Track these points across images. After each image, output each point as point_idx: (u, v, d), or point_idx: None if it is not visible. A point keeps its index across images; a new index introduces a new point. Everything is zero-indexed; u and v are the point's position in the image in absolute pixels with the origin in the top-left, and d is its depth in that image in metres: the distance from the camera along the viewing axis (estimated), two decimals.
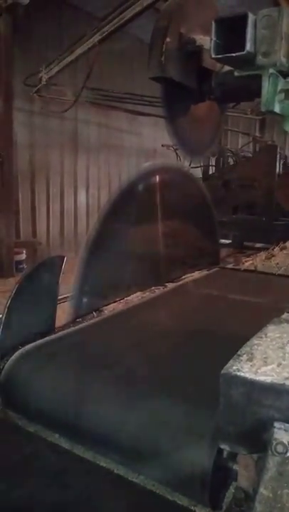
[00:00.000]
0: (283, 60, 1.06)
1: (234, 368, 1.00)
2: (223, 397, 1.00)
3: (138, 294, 2.34)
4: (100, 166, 9.92)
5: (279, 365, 1.00)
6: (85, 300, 2.01)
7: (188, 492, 1.10)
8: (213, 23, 1.12)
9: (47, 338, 1.67)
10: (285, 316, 1.40)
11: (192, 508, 1.09)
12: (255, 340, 1.14)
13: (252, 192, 6.49)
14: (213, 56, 1.07)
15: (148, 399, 1.26)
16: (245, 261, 3.10)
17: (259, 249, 5.38)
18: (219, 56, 1.06)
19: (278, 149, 6.99)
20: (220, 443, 1.04)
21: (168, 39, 2.06)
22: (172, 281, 2.64)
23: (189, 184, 2.87)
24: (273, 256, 3.05)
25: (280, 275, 2.83)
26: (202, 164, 7.83)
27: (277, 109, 1.17)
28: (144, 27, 9.03)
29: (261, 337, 1.16)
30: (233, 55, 1.02)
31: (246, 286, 2.68)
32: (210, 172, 8.39)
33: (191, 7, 2.19)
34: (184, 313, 2.11)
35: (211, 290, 2.48)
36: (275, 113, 1.19)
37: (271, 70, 1.12)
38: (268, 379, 0.95)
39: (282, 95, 1.17)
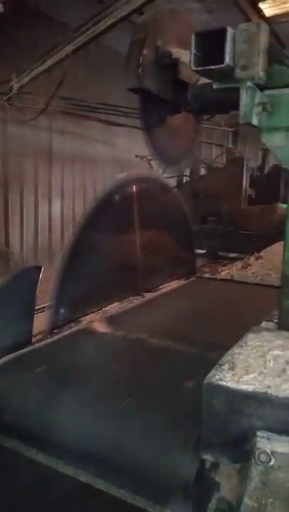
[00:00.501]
0: (261, 73, 1.09)
1: (216, 377, 1.00)
2: (205, 407, 1.00)
3: (116, 304, 2.32)
4: (74, 176, 9.86)
5: (260, 373, 1.00)
6: (62, 311, 1.98)
7: (171, 504, 1.08)
8: (192, 36, 1.14)
9: (24, 350, 1.63)
10: (263, 324, 1.43)
11: None
12: (236, 349, 1.15)
13: (218, 203, 6.61)
14: (192, 68, 1.09)
15: (127, 411, 1.24)
16: (222, 270, 3.13)
17: (233, 260, 5.46)
18: (199, 68, 1.08)
19: (245, 161, 7.16)
20: (202, 453, 1.03)
21: (145, 51, 2.08)
22: (150, 291, 2.63)
23: (166, 194, 2.89)
24: (249, 265, 3.09)
25: (255, 284, 2.87)
26: (176, 174, 7.92)
27: (254, 121, 1.20)
28: (119, 38, 9.15)
29: (242, 346, 1.17)
30: (213, 67, 1.04)
31: (223, 296, 2.70)
32: (183, 182, 8.50)
33: (167, 21, 2.23)
34: (162, 323, 2.10)
35: (189, 300, 2.49)
36: (253, 125, 1.21)
37: (249, 83, 1.14)
38: (249, 388, 0.96)
39: (260, 108, 1.19)
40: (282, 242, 3.53)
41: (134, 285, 2.57)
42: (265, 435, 0.92)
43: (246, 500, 0.86)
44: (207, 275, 3.10)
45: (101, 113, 7.89)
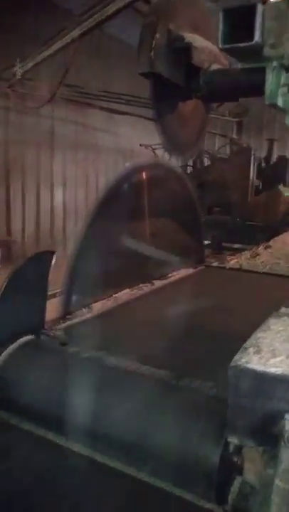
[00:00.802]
0: None
1: (243, 360, 0.99)
2: (232, 390, 0.99)
3: (127, 291, 2.31)
4: (77, 165, 9.81)
5: (287, 356, 0.99)
6: (74, 296, 1.97)
7: (194, 488, 1.08)
8: (220, 12, 1.10)
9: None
10: (283, 310, 1.41)
11: (198, 503, 1.07)
12: (259, 334, 1.14)
13: (226, 193, 6.56)
14: (220, 46, 1.06)
15: (148, 393, 1.24)
16: (230, 259, 3.12)
17: (238, 250, 5.44)
18: (227, 46, 1.05)
19: (252, 151, 7.10)
20: (228, 436, 1.02)
21: (157, 35, 2.05)
22: (159, 279, 2.62)
23: (176, 181, 2.87)
24: (258, 255, 3.08)
25: (265, 273, 2.86)
26: (180, 164, 7.87)
27: (280, 102, 1.18)
28: (122, 27, 9.04)
29: (265, 330, 1.16)
30: (241, 45, 1.01)
31: (233, 284, 2.69)
32: (188, 172, 8.44)
33: (180, 4, 2.19)
34: (173, 310, 2.09)
35: (199, 288, 2.48)
36: (278, 107, 1.19)
37: (275, 63, 1.12)
38: (278, 370, 0.94)
39: (285, 89, 1.17)
40: None
41: (144, 273, 2.56)
42: None
43: (277, 482, 0.85)
44: (216, 264, 3.09)
45: (104, 100, 7.81)
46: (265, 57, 1.07)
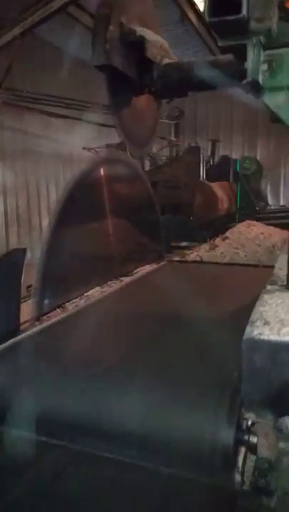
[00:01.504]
0: (275, 26, 1.08)
1: (255, 332, 0.98)
2: (246, 364, 0.98)
3: (97, 289, 2.25)
4: (16, 173, 9.47)
5: None
6: (47, 298, 1.89)
7: (212, 470, 1.05)
8: None
9: (17, 338, 1.51)
10: (269, 287, 1.43)
11: (217, 485, 1.04)
12: (260, 308, 1.14)
13: (177, 192, 6.67)
14: (207, 20, 1.06)
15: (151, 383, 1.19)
16: (190, 253, 3.15)
17: (185, 248, 5.54)
18: (214, 19, 1.04)
19: (201, 150, 7.30)
20: (244, 412, 1.01)
21: (111, 27, 2.02)
22: (126, 276, 2.59)
23: (135, 178, 2.85)
24: (217, 246, 3.14)
25: (225, 264, 2.91)
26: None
27: (260, 79, 1.19)
28: (56, 31, 8.90)
29: (264, 304, 1.17)
30: (229, 18, 1.01)
31: (197, 276, 2.72)
32: None
33: None
34: (149, 303, 2.07)
35: (168, 281, 2.48)
36: (258, 84, 1.21)
37: (255, 40, 1.13)
38: None
39: (266, 65, 1.19)
40: (245, 223, 3.64)
41: (110, 270, 2.52)
42: None
43: None
44: (177, 258, 3.10)
45: (43, 104, 7.62)
46: (250, 32, 1.08)
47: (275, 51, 1.22)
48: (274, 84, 1.24)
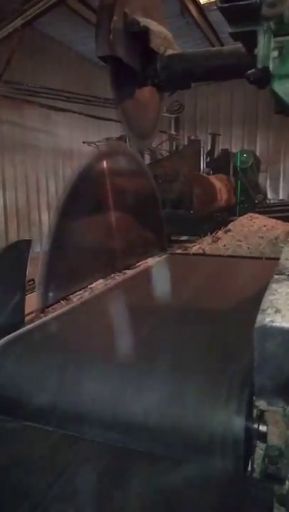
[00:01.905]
0: (287, 12, 1.07)
1: (267, 320, 0.98)
2: (258, 352, 0.97)
3: (101, 281, 2.25)
4: (15, 167, 9.44)
5: None
6: (51, 289, 1.88)
7: (222, 459, 1.05)
8: None
9: (25, 329, 1.51)
10: (277, 277, 1.42)
11: (227, 475, 1.04)
12: (270, 297, 1.13)
13: (177, 186, 6.65)
14: (219, 5, 1.04)
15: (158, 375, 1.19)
16: (193, 246, 3.14)
17: (186, 242, 5.54)
18: (225, 5, 1.03)
19: (202, 143, 7.29)
20: (256, 400, 1.01)
21: (115, 17, 2.00)
22: (129, 269, 2.58)
23: (138, 170, 2.84)
24: (219, 239, 3.13)
25: (228, 256, 2.91)
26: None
27: (271, 66, 1.18)
28: (55, 24, 8.85)
29: (273, 293, 1.16)
30: (242, 3, 1.00)
31: (200, 268, 2.71)
32: None
33: None
34: (153, 295, 2.07)
35: (171, 273, 2.48)
36: (268, 72, 1.20)
37: (266, 26, 1.12)
38: None
39: (276, 52, 1.18)
40: (247, 215, 3.64)
41: (114, 263, 2.51)
42: None
43: None
44: (179, 251, 3.10)
45: (43, 97, 7.58)
46: (262, 17, 1.07)
47: (285, 38, 1.21)
48: (284, 71, 1.23)
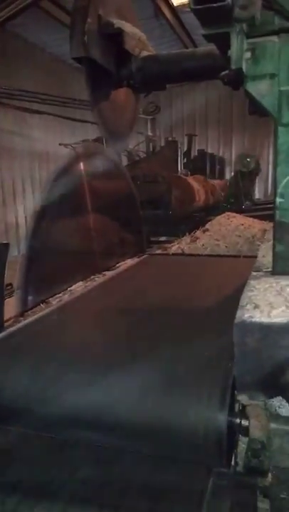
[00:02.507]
0: (258, 14, 1.09)
1: (246, 315, 1.00)
2: (238, 347, 0.99)
3: (80, 283, 2.24)
4: None
5: (287, 307, 1.02)
6: (30, 293, 1.87)
7: (205, 455, 1.06)
8: None
9: (4, 333, 1.49)
10: (254, 273, 1.45)
11: (211, 470, 1.06)
12: (248, 293, 1.16)
13: (155, 187, 6.68)
14: (192, 7, 1.05)
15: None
16: (172, 246, 3.16)
17: (165, 243, 5.56)
18: (199, 7, 1.04)
19: (179, 144, 7.35)
20: (238, 394, 1.02)
21: (89, 19, 2.00)
22: (108, 270, 2.58)
23: (115, 171, 2.84)
24: (197, 238, 3.16)
25: (207, 255, 2.94)
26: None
27: (244, 67, 1.21)
28: (28, 26, 8.75)
29: (252, 290, 1.18)
30: (215, 5, 1.02)
31: (179, 268, 2.73)
32: None
33: None
34: (134, 295, 2.07)
35: (150, 273, 2.49)
36: (242, 73, 1.22)
37: (239, 28, 1.14)
38: (283, 320, 0.96)
39: (249, 54, 1.20)
40: (225, 214, 3.67)
41: (93, 265, 2.51)
42: None
43: None
44: (158, 251, 3.11)
45: (17, 99, 7.49)
46: (235, 19, 1.09)
47: (258, 39, 1.23)
48: (257, 72, 1.25)
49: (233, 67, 1.18)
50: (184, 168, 7.83)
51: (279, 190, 1.30)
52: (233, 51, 1.16)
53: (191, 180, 7.19)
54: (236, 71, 1.22)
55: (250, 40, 1.23)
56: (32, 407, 1.18)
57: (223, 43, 1.20)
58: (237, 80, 1.32)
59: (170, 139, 8.41)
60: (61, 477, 1.06)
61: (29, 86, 8.34)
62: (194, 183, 7.14)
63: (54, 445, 1.10)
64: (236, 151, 13.43)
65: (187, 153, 8.35)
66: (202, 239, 3.20)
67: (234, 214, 4.29)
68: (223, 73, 1.36)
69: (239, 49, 1.17)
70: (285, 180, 1.28)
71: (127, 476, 1.01)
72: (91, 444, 1.11)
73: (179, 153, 7.37)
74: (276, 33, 1.23)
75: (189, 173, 7.82)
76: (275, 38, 1.23)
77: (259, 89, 1.27)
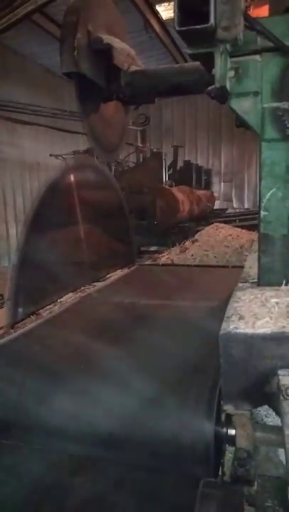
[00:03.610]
0: (241, 35, 1.14)
1: (231, 327, 1.02)
2: (223, 358, 1.01)
3: (70, 294, 2.25)
4: None
5: (271, 318, 1.05)
6: (21, 304, 1.87)
7: (193, 466, 1.08)
8: None
9: None
10: (241, 285, 1.48)
11: (199, 480, 1.07)
12: (234, 304, 1.18)
13: (142, 197, 6.75)
14: (177, 29, 1.09)
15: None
16: (161, 256, 3.19)
17: (156, 252, 5.60)
18: (183, 29, 1.08)
19: (164, 156, 7.42)
20: (224, 404, 1.04)
21: (78, 35, 2.04)
22: (98, 281, 2.59)
23: (106, 184, 2.87)
24: (187, 249, 3.19)
25: (196, 265, 2.97)
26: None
27: (228, 85, 1.25)
28: (19, 38, 8.82)
29: (237, 301, 1.21)
30: (198, 27, 1.06)
31: (169, 278, 2.76)
32: None
33: (95, 6, 2.22)
34: (124, 307, 2.09)
35: (140, 284, 2.51)
36: (226, 90, 1.26)
37: (222, 48, 1.18)
38: (267, 330, 0.99)
39: (232, 72, 1.24)
40: (213, 225, 3.71)
41: (83, 276, 2.52)
42: (287, 372, 0.96)
43: (287, 431, 0.89)
44: (148, 262, 3.14)
45: (8, 110, 7.52)
46: (217, 40, 1.13)
47: (241, 58, 1.28)
48: (240, 90, 1.30)
49: (217, 85, 1.22)
50: (168, 179, 7.90)
51: (263, 204, 1.33)
52: (217, 70, 1.20)
53: (175, 191, 7.27)
54: (221, 89, 1.26)
55: (234, 59, 1.28)
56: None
57: (207, 61, 1.24)
58: (223, 95, 1.36)
59: (154, 150, 8.49)
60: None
61: (20, 97, 8.39)
62: (179, 193, 7.21)
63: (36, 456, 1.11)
64: (225, 160, 13.60)
65: (173, 164, 8.44)
66: (191, 249, 3.23)
67: (222, 225, 4.35)
68: (210, 88, 1.40)
69: (223, 68, 1.21)
70: (269, 194, 1.32)
71: (115, 488, 1.02)
72: (79, 456, 1.11)
73: (164, 164, 7.44)
74: (258, 52, 1.28)
75: (174, 183, 7.90)
76: (257, 57, 1.28)
77: (243, 107, 1.32)
